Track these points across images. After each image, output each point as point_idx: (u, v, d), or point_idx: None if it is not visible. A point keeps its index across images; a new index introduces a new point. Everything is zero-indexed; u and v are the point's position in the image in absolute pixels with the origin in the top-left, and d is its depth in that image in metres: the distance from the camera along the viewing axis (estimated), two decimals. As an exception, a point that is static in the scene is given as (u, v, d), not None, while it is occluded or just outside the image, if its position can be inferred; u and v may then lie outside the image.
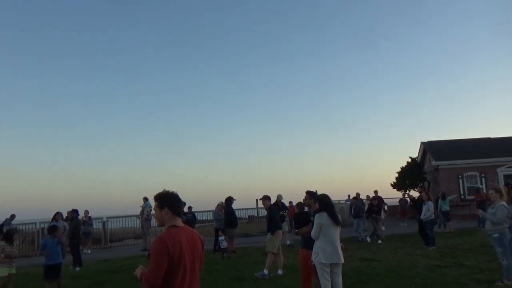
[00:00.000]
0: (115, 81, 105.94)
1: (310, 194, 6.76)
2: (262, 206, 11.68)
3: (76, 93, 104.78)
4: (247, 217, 24.35)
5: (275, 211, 10.34)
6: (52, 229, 9.60)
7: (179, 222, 3.35)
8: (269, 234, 9.92)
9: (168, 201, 3.33)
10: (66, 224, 13.59)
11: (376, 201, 17.34)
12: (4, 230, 16.77)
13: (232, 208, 14.69)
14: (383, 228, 17.50)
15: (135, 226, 20.73)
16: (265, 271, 9.47)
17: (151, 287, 3.13)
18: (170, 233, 3.22)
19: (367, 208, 17.22)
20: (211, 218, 18.02)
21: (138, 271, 3.28)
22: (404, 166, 31.33)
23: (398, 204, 25.95)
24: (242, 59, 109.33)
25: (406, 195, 25.87)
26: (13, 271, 8.86)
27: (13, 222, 17.77)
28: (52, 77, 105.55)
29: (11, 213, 17.85)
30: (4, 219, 17.58)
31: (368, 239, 15.53)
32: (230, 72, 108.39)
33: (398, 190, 30.63)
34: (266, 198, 10.33)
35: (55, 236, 9.30)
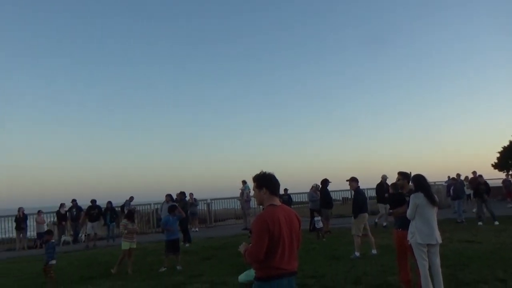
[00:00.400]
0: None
1: (403, 175, 6.56)
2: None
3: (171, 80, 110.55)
4: (341, 198, 24.13)
5: (361, 194, 10.05)
6: (172, 208, 10.43)
7: (277, 201, 3.41)
8: (352, 217, 9.76)
9: (266, 181, 3.41)
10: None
11: (483, 179, 15.98)
12: (125, 210, 18.43)
13: (327, 189, 14.64)
14: (484, 210, 16.21)
15: (235, 207, 21.62)
16: (357, 253, 9.35)
17: (254, 262, 3.27)
18: (269, 211, 3.31)
19: (474, 189, 15.92)
20: (306, 199, 18.12)
21: (242, 247, 3.41)
22: (506, 145, 28.62)
23: (500, 185, 23.87)
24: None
25: (510, 176, 23.69)
26: (134, 245, 9.81)
27: (132, 203, 19.40)
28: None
29: (130, 195, 19.50)
30: (124, 201, 19.24)
31: (496, 223, 14.02)
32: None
33: (500, 170, 28.16)
34: (353, 180, 9.99)
35: (175, 215, 10.10)
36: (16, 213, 17.32)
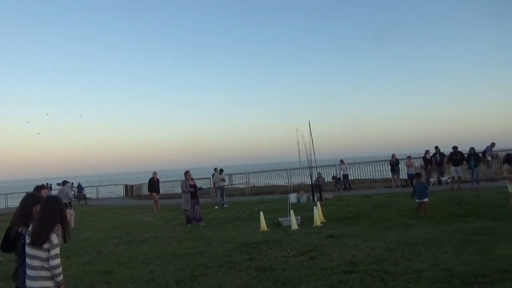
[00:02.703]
0: None
1: None
2: None
3: None
4: None
5: None
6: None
7: None
8: None
9: None
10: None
11: None
12: (487, 156, 17.03)
13: None
14: None
15: None
16: None
17: None
18: None
19: None
20: None
21: None
22: None
23: None
24: None
25: None
26: None
27: (493, 149, 17.68)
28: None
29: (491, 142, 17.78)
30: (485, 147, 17.72)
31: None
32: None
33: None
34: None
35: None
36: (390, 158, 19.11)
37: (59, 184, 15.97)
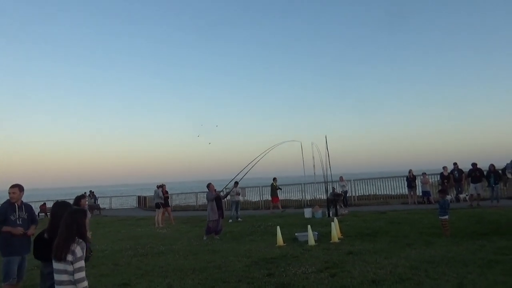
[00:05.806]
0: None
1: None
2: None
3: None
4: None
5: None
6: None
7: None
8: None
9: None
10: None
11: None
12: (507, 173, 16.63)
13: None
14: None
15: None
16: None
17: None
18: None
19: None
20: None
21: None
22: None
23: None
24: None
25: None
26: None
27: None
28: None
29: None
30: (505, 164, 17.29)
31: None
32: None
33: None
34: None
35: None
36: (407, 174, 18.81)
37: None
